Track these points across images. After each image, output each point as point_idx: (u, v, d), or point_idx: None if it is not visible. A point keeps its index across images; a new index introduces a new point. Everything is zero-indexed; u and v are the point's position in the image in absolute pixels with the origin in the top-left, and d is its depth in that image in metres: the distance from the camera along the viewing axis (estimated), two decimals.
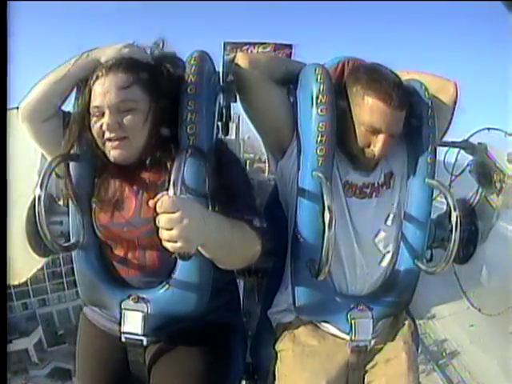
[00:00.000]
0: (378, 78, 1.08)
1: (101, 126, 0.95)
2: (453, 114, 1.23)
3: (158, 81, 0.99)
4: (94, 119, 0.97)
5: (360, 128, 1.09)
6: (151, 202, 0.76)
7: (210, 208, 0.93)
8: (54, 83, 1.02)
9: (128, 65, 0.97)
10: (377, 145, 1.08)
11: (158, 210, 0.74)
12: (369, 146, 1.10)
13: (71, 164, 1.05)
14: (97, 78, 0.96)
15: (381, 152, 1.09)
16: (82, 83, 0.99)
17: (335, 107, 1.08)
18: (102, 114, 0.95)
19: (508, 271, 1.57)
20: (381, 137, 1.07)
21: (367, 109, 1.07)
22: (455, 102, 1.22)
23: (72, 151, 1.02)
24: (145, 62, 1.00)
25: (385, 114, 1.05)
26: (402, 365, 1.21)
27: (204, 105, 0.99)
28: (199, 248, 0.81)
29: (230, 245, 0.89)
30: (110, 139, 0.96)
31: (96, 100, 0.95)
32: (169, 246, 0.75)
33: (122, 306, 1.05)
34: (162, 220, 0.74)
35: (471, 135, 1.75)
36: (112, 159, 0.98)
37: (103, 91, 0.95)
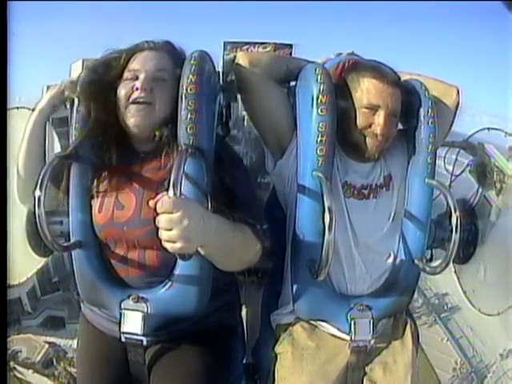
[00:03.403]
0: (370, 63, 1.15)
1: (132, 86, 1.00)
2: (454, 118, 1.24)
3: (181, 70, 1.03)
4: (125, 82, 1.01)
5: (360, 110, 1.10)
6: (151, 202, 0.76)
7: (211, 209, 0.93)
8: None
9: (169, 48, 1.07)
10: (378, 123, 1.09)
11: (158, 210, 0.74)
12: (370, 127, 1.10)
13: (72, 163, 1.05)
14: (141, 50, 1.04)
15: (382, 129, 1.09)
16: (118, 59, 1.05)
17: (335, 107, 1.08)
18: (136, 78, 1.00)
19: (508, 271, 1.56)
20: (381, 114, 1.09)
21: (364, 89, 1.10)
22: (457, 107, 1.24)
23: (73, 151, 1.03)
24: (181, 54, 1.08)
25: (380, 90, 1.09)
26: (401, 369, 1.21)
27: (204, 105, 0.99)
28: (199, 249, 0.81)
29: (230, 247, 0.89)
30: (136, 101, 0.99)
31: (134, 65, 1.02)
32: (168, 246, 0.75)
33: (122, 306, 1.04)
34: (162, 220, 0.74)
35: (471, 135, 1.75)
36: (131, 124, 1.00)
37: (144, 59, 1.02)
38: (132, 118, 1.00)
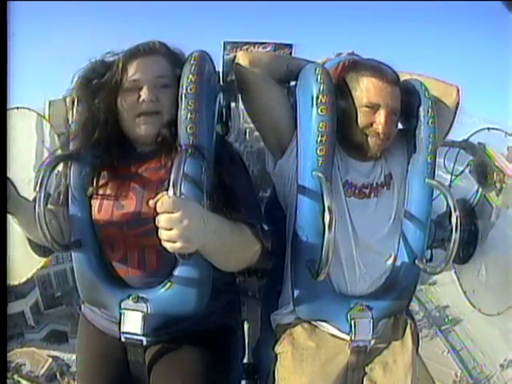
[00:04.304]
0: (369, 62, 1.15)
1: (138, 98, 0.99)
2: (454, 117, 1.24)
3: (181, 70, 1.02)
4: (127, 93, 1.00)
5: (360, 109, 1.11)
6: (151, 202, 0.76)
7: (211, 208, 0.92)
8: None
9: (165, 49, 1.05)
10: (379, 121, 1.09)
11: (157, 209, 0.74)
12: (371, 125, 1.11)
13: (71, 163, 1.05)
14: (136, 57, 1.01)
15: (383, 128, 1.09)
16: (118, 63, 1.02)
17: (335, 107, 1.08)
18: (139, 89, 1.00)
19: (508, 271, 1.56)
20: (381, 112, 1.09)
21: (364, 89, 1.11)
22: (457, 106, 1.24)
23: (73, 150, 1.03)
24: (176, 52, 1.07)
25: (380, 88, 1.09)
26: (401, 369, 1.21)
27: (204, 104, 0.99)
28: (198, 249, 0.81)
29: (230, 247, 0.89)
30: (144, 113, 0.99)
31: (134, 75, 1.00)
32: (168, 246, 0.75)
33: (122, 306, 1.04)
34: (162, 220, 0.74)
35: (471, 135, 1.75)
36: (142, 134, 1.01)
37: (143, 67, 1.01)
38: (142, 128, 1.00)
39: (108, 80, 1.01)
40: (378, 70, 1.11)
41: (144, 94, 0.99)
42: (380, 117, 1.09)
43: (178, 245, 0.74)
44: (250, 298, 1.72)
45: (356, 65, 1.17)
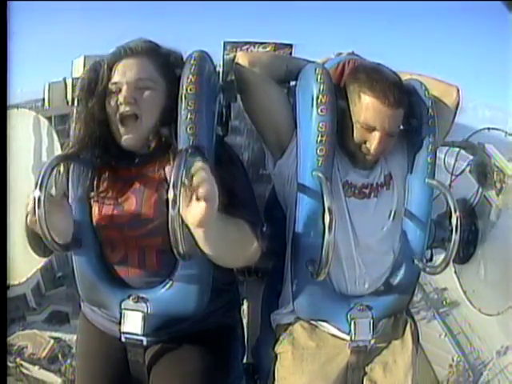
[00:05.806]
0: (375, 77, 1.08)
1: (116, 101, 0.98)
2: (454, 117, 1.24)
3: (174, 70, 1.02)
4: (111, 96, 1.00)
5: (356, 125, 1.09)
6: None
7: None
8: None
9: (149, 50, 1.02)
10: (372, 142, 1.08)
11: (195, 181, 0.72)
12: (365, 143, 1.10)
13: (71, 164, 1.05)
14: (119, 58, 1.00)
15: (376, 149, 1.09)
16: (104, 65, 1.01)
17: (335, 107, 1.08)
18: (120, 91, 0.98)
19: (508, 271, 1.57)
20: (376, 134, 1.08)
21: (363, 107, 1.07)
22: (457, 107, 1.23)
23: (72, 150, 1.03)
24: (165, 52, 1.05)
25: (379, 111, 1.06)
26: (401, 369, 1.21)
27: (204, 105, 0.99)
28: (199, 247, 0.81)
29: (230, 242, 0.88)
30: (123, 115, 0.98)
31: (115, 77, 0.99)
32: (196, 210, 0.73)
33: (122, 306, 1.04)
34: (197, 178, 0.72)
35: (471, 135, 1.75)
36: (123, 143, 1.00)
37: (123, 69, 0.99)
38: (122, 138, 1.00)
39: (99, 82, 1.01)
40: (381, 90, 1.05)
41: (121, 96, 0.98)
42: (374, 138, 1.08)
43: (204, 204, 0.72)
44: (249, 280, 1.70)
45: (360, 76, 1.10)
